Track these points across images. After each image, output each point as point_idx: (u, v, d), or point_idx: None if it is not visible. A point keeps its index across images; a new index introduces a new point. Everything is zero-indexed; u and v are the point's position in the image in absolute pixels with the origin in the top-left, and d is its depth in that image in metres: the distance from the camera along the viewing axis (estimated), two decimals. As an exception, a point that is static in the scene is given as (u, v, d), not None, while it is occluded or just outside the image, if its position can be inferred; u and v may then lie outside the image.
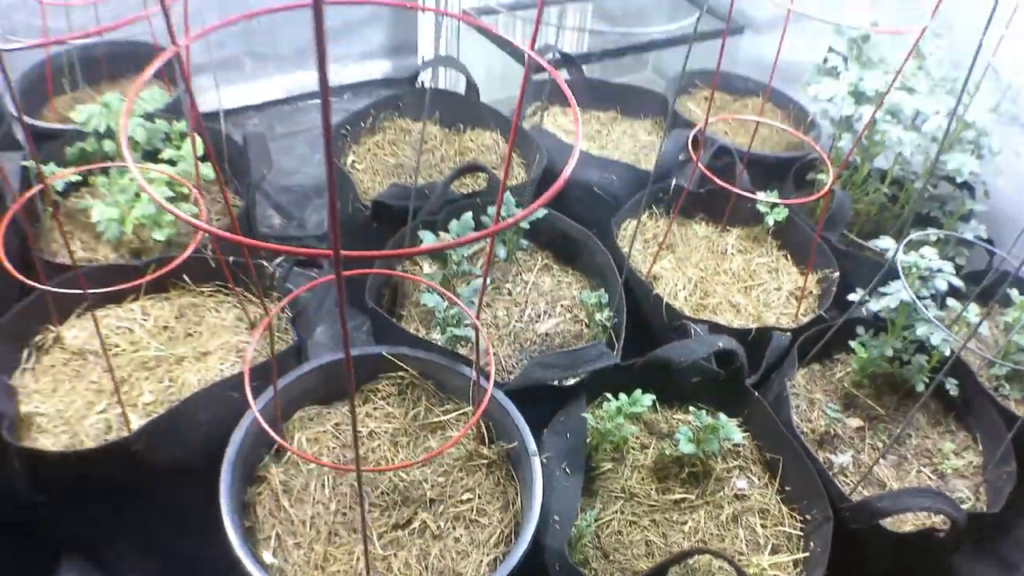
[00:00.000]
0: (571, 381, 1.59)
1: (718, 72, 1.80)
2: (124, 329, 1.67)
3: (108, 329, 1.66)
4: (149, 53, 2.34)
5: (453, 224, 1.77)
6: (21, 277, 1.33)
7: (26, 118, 2.08)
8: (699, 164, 1.75)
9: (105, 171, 1.85)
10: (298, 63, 2.75)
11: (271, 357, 1.41)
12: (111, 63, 2.41)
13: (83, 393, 1.55)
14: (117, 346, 1.63)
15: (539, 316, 1.81)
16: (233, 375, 1.51)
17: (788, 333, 1.69)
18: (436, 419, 1.56)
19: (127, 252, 1.84)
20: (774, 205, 1.97)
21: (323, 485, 1.44)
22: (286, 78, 2.76)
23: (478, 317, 1.37)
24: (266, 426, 1.13)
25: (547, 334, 1.77)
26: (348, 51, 2.82)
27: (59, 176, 1.76)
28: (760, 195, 1.92)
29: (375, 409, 1.57)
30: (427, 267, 1.87)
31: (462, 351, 1.63)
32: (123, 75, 2.46)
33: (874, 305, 1.58)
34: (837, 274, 1.87)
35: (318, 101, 2.74)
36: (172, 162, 1.81)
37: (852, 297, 1.65)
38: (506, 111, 2.28)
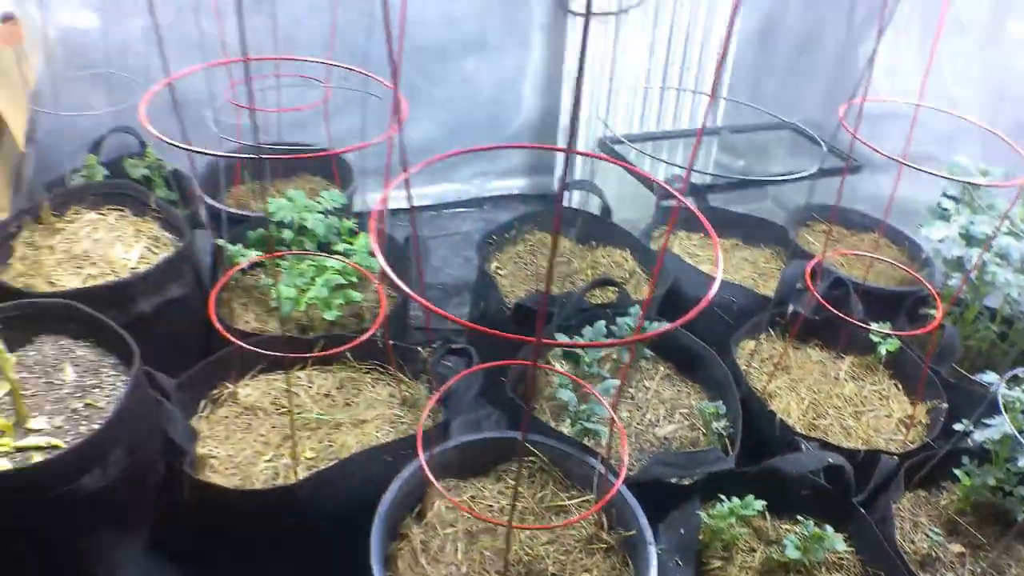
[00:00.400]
0: (687, 481, 1.73)
1: (836, 208, 1.96)
2: (292, 393, 1.89)
3: (277, 391, 1.89)
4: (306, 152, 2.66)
5: (587, 330, 1.95)
6: (228, 335, 1.57)
7: (215, 203, 2.40)
8: (816, 293, 1.91)
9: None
10: (446, 176, 3.05)
11: (427, 428, 1.60)
12: (285, 161, 2.74)
13: (252, 443, 1.76)
14: (284, 407, 1.86)
15: (659, 421, 1.96)
16: (388, 442, 1.71)
17: (896, 457, 1.79)
18: (560, 503, 1.71)
19: (294, 326, 2.09)
20: (886, 336, 2.09)
21: (457, 549, 1.60)
22: (435, 188, 3.06)
23: (613, 413, 1.53)
24: (431, 477, 1.30)
25: (666, 438, 1.91)
26: (492, 168, 3.11)
27: (254, 260, 2.03)
28: (873, 326, 2.05)
29: (506, 488, 1.74)
30: (558, 367, 2.05)
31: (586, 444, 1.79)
32: (294, 172, 2.78)
33: (978, 436, 1.68)
34: (945, 405, 1.96)
35: (461, 209, 3.03)
36: (346, 254, 2.06)
37: (958, 427, 1.75)
38: (635, 231, 2.49)
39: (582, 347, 1.94)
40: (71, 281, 1.89)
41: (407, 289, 1.05)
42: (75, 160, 2.48)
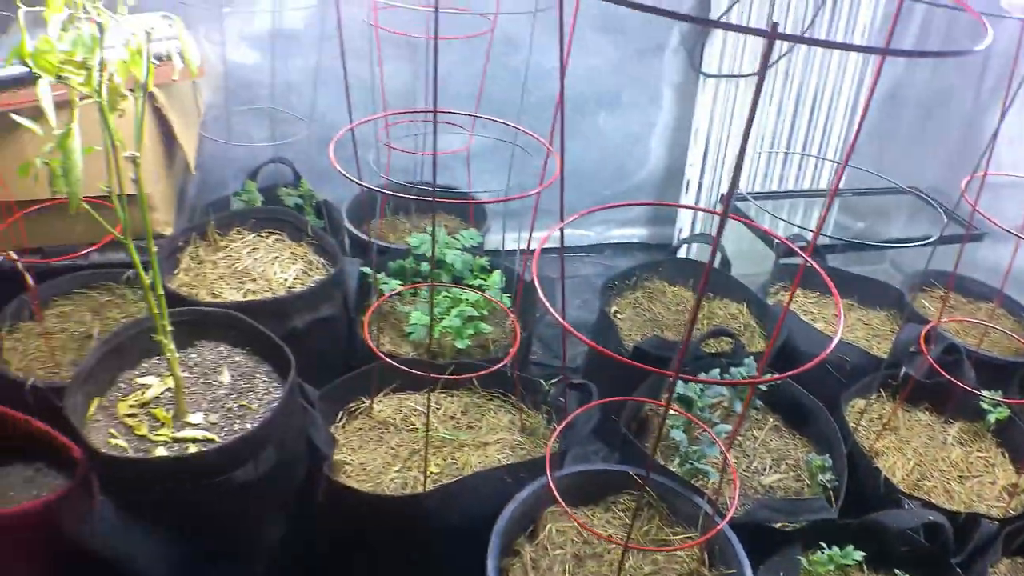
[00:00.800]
0: (790, 528, 1.79)
1: (954, 275, 2.00)
2: (420, 412, 2.05)
3: (407, 410, 2.05)
4: (453, 196, 2.84)
5: (702, 376, 2.04)
6: (379, 353, 1.73)
7: (360, 232, 2.60)
8: (929, 357, 1.95)
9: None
10: (571, 222, 3.19)
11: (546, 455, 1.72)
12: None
13: (383, 455, 1.92)
14: (413, 424, 2.01)
15: (765, 469, 2.02)
16: (508, 464, 1.83)
17: (996, 522, 1.81)
18: (665, 537, 1.79)
19: (424, 351, 2.25)
20: (997, 404, 2.10)
21: (565, 570, 1.70)
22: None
23: (727, 454, 1.62)
24: (557, 495, 1.42)
25: (770, 486, 1.98)
26: (615, 216, 3.25)
27: (400, 290, 2.20)
28: (984, 393, 2.07)
29: (614, 518, 1.84)
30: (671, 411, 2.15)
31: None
32: (432, 209, 2.96)
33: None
34: (1050, 475, 1.97)
35: (583, 254, 3.17)
36: (481, 288, 2.21)
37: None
38: (752, 285, 2.57)
39: (708, 383, 2.03)
40: (232, 294, 2.10)
41: (561, 319, 1.17)
42: (233, 185, 2.74)
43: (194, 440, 1.67)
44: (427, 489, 1.75)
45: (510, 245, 3.04)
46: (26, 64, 1.25)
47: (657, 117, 3.10)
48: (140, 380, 1.81)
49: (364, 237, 2.64)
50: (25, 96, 2.08)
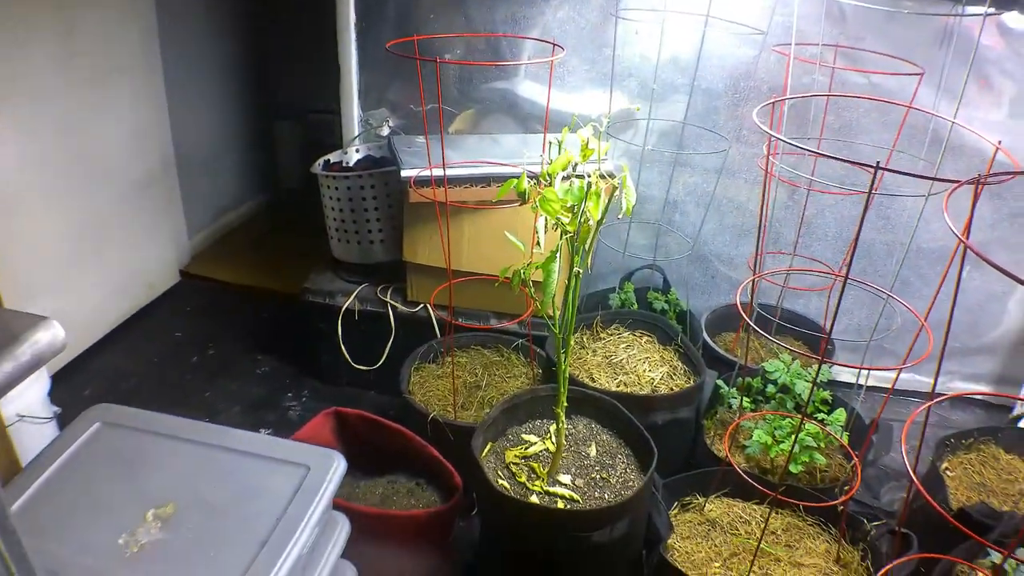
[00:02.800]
0: None
1: None
2: (745, 520, 2.24)
3: (735, 515, 2.25)
4: (807, 326, 3.00)
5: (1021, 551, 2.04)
6: (732, 462, 1.96)
7: (715, 345, 2.85)
8: None
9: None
10: (915, 368, 3.22)
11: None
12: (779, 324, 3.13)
13: (707, 549, 2.10)
14: (737, 530, 2.21)
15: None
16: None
17: None
18: None
19: (755, 465, 2.44)
20: None
21: None
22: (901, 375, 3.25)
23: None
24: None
25: None
26: (959, 368, 3.22)
27: (754, 416, 2.42)
28: None
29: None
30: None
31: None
32: (784, 332, 3.13)
33: None
34: None
35: (919, 400, 3.17)
36: (823, 422, 2.37)
37: None
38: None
39: None
40: (607, 382, 2.44)
41: (911, 473, 1.34)
42: (611, 280, 3.11)
43: (561, 496, 2.00)
44: (747, 594, 1.94)
45: (846, 376, 3.15)
46: (523, 200, 1.67)
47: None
48: (525, 436, 2.18)
49: (720, 351, 2.87)
50: (474, 193, 2.59)
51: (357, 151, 3.22)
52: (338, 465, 1.57)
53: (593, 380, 2.43)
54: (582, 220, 1.60)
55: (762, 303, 3.06)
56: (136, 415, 1.67)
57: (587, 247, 1.68)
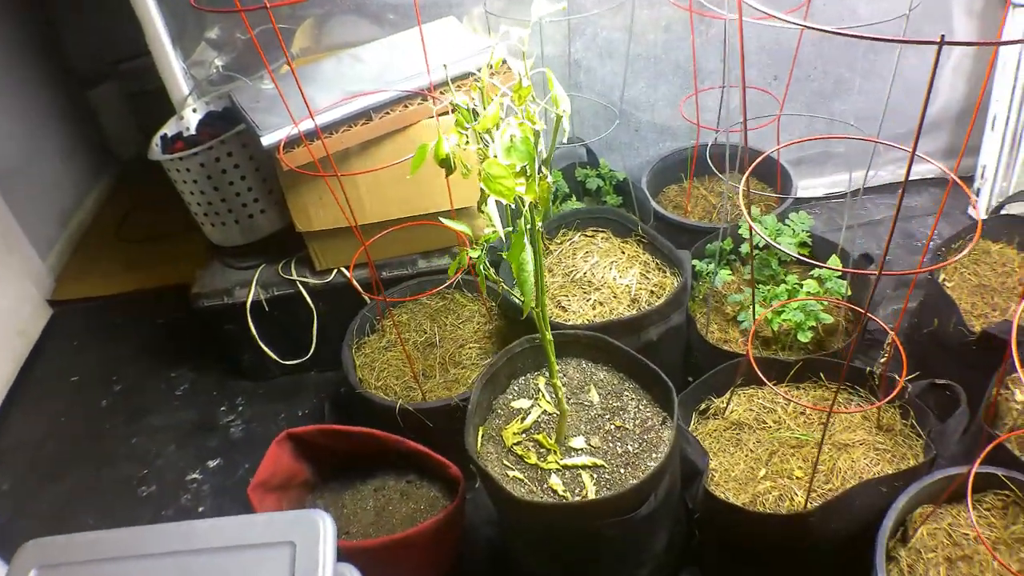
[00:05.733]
0: None
1: None
2: (769, 409, 1.98)
3: (757, 407, 1.98)
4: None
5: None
6: (756, 368, 1.67)
7: (662, 209, 2.51)
8: None
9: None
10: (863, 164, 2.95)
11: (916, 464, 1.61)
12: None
13: (743, 459, 1.86)
14: (766, 423, 1.95)
15: None
16: (887, 475, 1.74)
17: None
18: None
19: (759, 342, 2.16)
20: None
21: (939, 574, 1.62)
22: (845, 176, 2.97)
23: None
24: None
25: None
26: (905, 153, 2.96)
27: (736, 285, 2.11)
28: None
29: (980, 518, 1.71)
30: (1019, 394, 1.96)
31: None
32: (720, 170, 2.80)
33: None
34: None
35: (873, 196, 2.93)
36: (821, 279, 2.08)
37: None
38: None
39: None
40: (580, 306, 2.07)
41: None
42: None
43: (584, 467, 1.68)
44: (809, 507, 1.70)
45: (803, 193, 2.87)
46: (450, 169, 1.24)
47: (952, 48, 2.77)
48: (514, 404, 1.84)
49: (674, 217, 2.51)
50: (355, 135, 2.11)
51: (195, 110, 2.65)
52: (325, 528, 1.26)
53: (564, 309, 2.07)
54: (540, 178, 1.18)
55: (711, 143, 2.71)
56: (78, 545, 1.32)
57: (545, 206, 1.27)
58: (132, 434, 2.58)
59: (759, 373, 1.67)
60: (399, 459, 2.04)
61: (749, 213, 2.13)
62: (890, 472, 1.78)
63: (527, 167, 1.15)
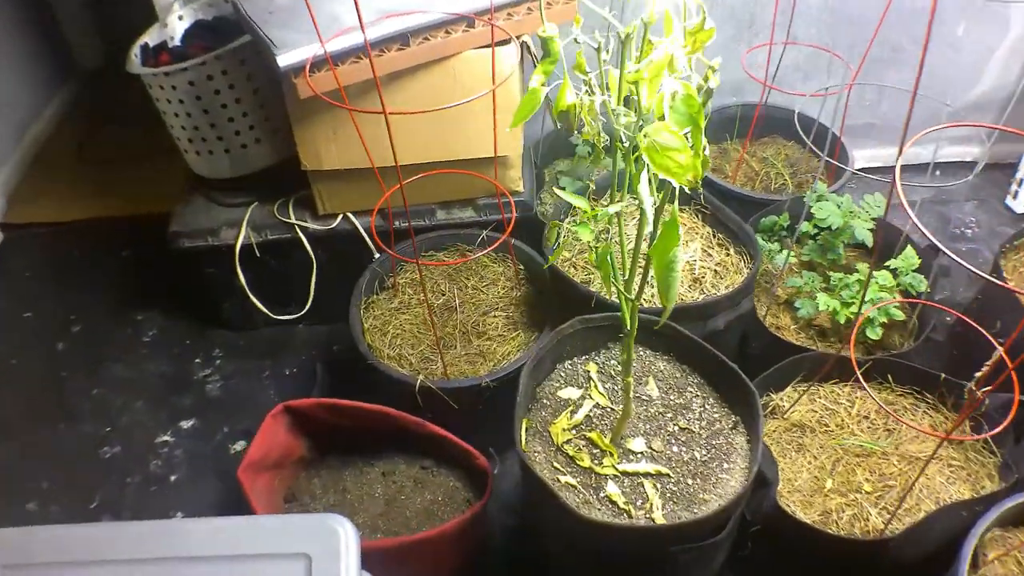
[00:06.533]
0: None
1: None
2: (831, 411, 1.76)
3: (819, 408, 1.76)
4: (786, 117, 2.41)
5: None
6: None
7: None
8: None
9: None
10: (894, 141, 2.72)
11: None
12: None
13: (807, 466, 1.65)
14: (827, 426, 1.73)
15: None
16: (967, 499, 1.53)
17: None
18: None
19: (814, 332, 1.94)
20: None
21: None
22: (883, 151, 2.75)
23: None
24: None
25: None
26: (946, 133, 2.73)
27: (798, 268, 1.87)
28: None
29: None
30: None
31: None
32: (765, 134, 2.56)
33: None
34: None
35: (907, 175, 2.70)
36: (894, 271, 1.85)
37: None
38: None
39: None
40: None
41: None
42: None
43: (646, 475, 1.44)
44: (888, 531, 1.48)
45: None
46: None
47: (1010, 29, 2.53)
48: (561, 394, 1.58)
49: (724, 185, 2.22)
50: (389, 62, 1.78)
51: (180, 18, 2.27)
52: (348, 540, 1.03)
53: (614, 286, 1.79)
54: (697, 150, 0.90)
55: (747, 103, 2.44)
56: (40, 542, 1.05)
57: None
58: (93, 385, 2.24)
59: (860, 377, 1.43)
60: (412, 442, 1.77)
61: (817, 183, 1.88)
62: (969, 495, 1.58)
63: (689, 134, 0.86)
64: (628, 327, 1.26)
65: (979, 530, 1.48)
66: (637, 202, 0.96)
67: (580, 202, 1.12)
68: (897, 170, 1.06)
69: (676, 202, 0.93)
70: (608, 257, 1.12)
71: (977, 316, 2.05)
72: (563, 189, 2.27)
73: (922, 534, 1.50)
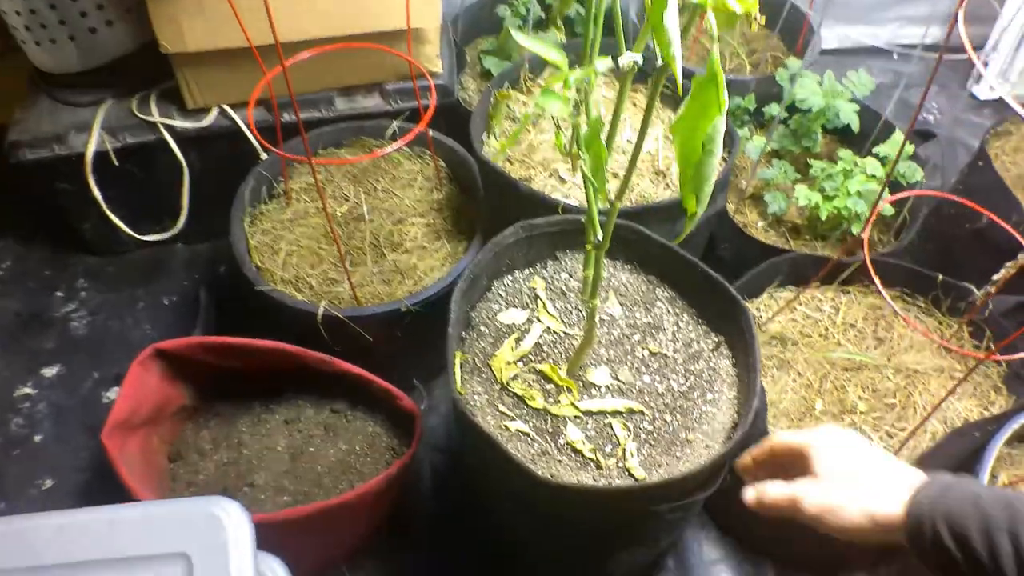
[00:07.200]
0: None
1: None
2: (812, 319, 1.49)
3: (799, 316, 1.49)
4: None
5: None
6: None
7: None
8: None
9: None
10: (861, 19, 2.42)
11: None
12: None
13: (793, 386, 1.40)
14: (809, 336, 1.46)
15: None
16: (981, 420, 1.30)
17: None
18: None
19: (785, 230, 1.66)
20: None
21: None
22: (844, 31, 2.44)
23: None
24: None
25: None
26: (907, 12, 2.43)
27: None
28: None
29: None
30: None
31: None
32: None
33: None
34: None
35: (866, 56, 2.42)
36: (880, 157, 1.56)
37: None
38: None
39: None
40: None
41: None
42: None
43: (614, 413, 1.14)
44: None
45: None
46: None
47: None
48: (502, 318, 1.25)
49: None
50: None
51: None
52: (235, 528, 0.80)
53: (563, 180, 1.45)
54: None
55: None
56: None
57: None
58: (-70, 330, 1.81)
59: (877, 282, 1.15)
60: (319, 381, 1.43)
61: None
62: (977, 411, 1.36)
63: None
64: (597, 236, 0.94)
65: (994, 450, 1.26)
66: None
67: (555, 53, 0.78)
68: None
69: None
70: (593, 141, 0.78)
71: (959, 209, 1.81)
72: (488, 71, 1.91)
73: (934, 463, 1.26)
